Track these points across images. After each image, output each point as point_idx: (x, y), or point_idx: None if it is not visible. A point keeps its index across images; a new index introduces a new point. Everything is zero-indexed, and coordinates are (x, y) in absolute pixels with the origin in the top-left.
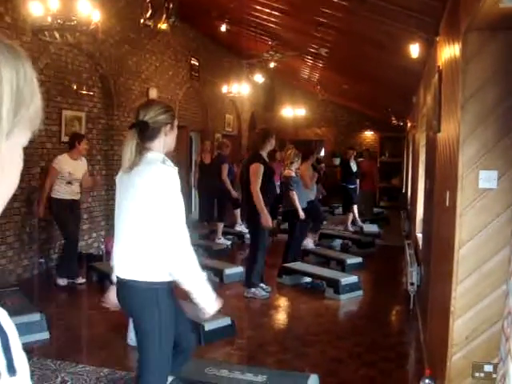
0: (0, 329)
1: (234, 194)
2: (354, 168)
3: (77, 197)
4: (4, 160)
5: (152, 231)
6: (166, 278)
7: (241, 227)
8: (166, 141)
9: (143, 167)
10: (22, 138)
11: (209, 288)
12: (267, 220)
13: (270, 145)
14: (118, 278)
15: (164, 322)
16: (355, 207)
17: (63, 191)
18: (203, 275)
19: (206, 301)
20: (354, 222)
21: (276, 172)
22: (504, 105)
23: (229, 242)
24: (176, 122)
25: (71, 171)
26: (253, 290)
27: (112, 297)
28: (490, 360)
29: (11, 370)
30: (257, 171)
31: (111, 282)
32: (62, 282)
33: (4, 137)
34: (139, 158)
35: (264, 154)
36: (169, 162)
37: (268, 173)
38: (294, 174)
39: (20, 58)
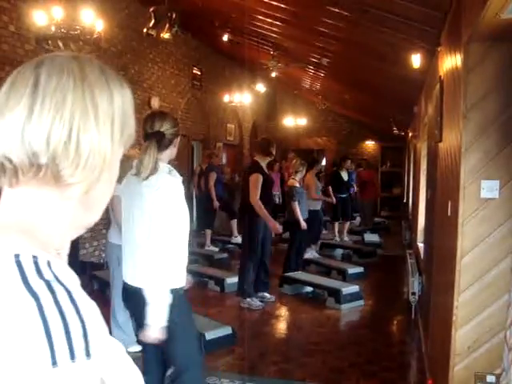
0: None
1: (216, 204)
2: (345, 177)
3: None
4: (110, 168)
5: (159, 240)
6: (175, 285)
7: (236, 239)
8: (172, 152)
9: (152, 177)
10: (121, 152)
11: (165, 313)
12: (275, 226)
13: (270, 155)
14: (126, 284)
15: (180, 325)
16: (340, 221)
17: None
18: (168, 299)
19: (156, 322)
20: (340, 232)
21: (274, 182)
22: (506, 114)
23: (217, 249)
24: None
25: None
26: (248, 299)
27: (149, 334)
28: (492, 370)
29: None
30: (256, 182)
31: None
32: None
33: (114, 150)
34: (155, 168)
35: (263, 163)
36: (174, 172)
37: (266, 183)
38: (297, 184)
39: (124, 85)
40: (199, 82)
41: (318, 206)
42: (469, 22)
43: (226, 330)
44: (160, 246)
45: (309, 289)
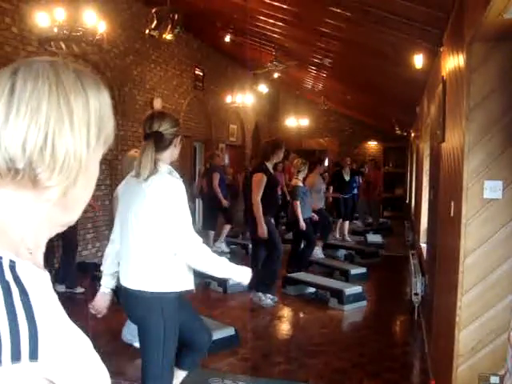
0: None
1: (225, 202)
2: (347, 178)
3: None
4: (88, 174)
5: (158, 242)
6: (171, 288)
7: (221, 244)
8: (172, 153)
9: (152, 178)
10: (100, 153)
11: (235, 267)
12: (263, 231)
13: (278, 157)
14: (122, 286)
15: (168, 331)
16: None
17: None
18: (224, 260)
19: (240, 277)
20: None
21: (280, 183)
22: (509, 114)
23: (227, 250)
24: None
25: None
26: (260, 294)
27: (99, 303)
28: (496, 371)
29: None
30: (259, 182)
31: (99, 287)
32: (60, 287)
33: (90, 153)
34: (155, 169)
35: (270, 164)
36: (175, 173)
37: (271, 183)
38: (301, 184)
39: (101, 89)
40: (201, 82)
41: (320, 204)
42: (471, 22)
43: (229, 331)
44: (160, 247)
45: (312, 289)
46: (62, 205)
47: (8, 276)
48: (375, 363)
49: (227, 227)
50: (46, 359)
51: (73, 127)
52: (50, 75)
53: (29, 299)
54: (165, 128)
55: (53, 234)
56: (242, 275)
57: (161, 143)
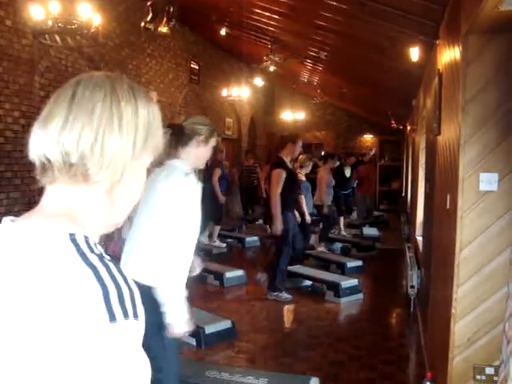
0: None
1: (222, 198)
2: (348, 174)
3: None
4: (133, 175)
5: (165, 238)
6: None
7: (214, 243)
8: (196, 154)
9: (167, 173)
10: (147, 160)
11: (184, 308)
12: (278, 227)
13: (294, 151)
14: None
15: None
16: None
17: None
18: (184, 296)
19: (176, 318)
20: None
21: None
22: (505, 107)
23: (224, 245)
24: (212, 142)
25: None
26: (276, 293)
27: (175, 331)
28: (491, 362)
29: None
30: (278, 177)
31: None
32: None
33: (136, 156)
34: (166, 161)
35: (287, 159)
36: (192, 176)
37: (291, 178)
38: (304, 178)
39: (150, 101)
40: (197, 76)
41: (328, 200)
42: (468, 14)
43: (226, 324)
44: (160, 245)
45: (308, 283)
46: (110, 202)
47: (97, 251)
48: (372, 355)
49: (217, 228)
50: (141, 319)
51: (121, 129)
52: (106, 84)
53: (120, 269)
54: (187, 123)
55: (105, 231)
56: (176, 317)
57: (180, 137)
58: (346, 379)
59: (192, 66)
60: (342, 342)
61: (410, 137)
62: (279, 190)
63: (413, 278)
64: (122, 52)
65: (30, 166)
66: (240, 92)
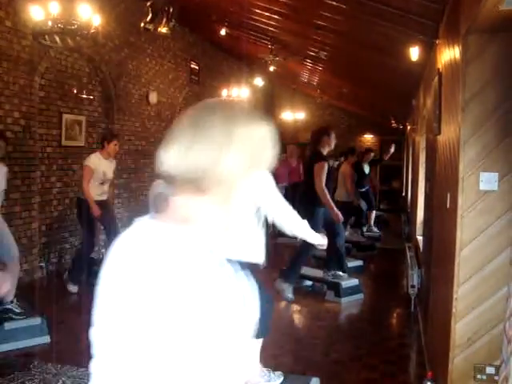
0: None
1: None
2: (367, 170)
3: (105, 197)
4: (243, 187)
5: None
6: None
7: None
8: None
9: None
10: (254, 173)
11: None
12: (337, 215)
13: (330, 143)
14: None
15: None
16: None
17: (95, 192)
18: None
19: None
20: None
21: (283, 173)
22: (505, 107)
23: None
24: None
25: (105, 171)
26: (286, 285)
27: None
28: (491, 362)
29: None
30: (322, 170)
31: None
32: (73, 288)
33: (247, 173)
34: None
35: (324, 151)
36: None
37: (329, 171)
38: None
39: (264, 125)
40: (197, 76)
41: (346, 198)
42: (467, 14)
43: None
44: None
45: (308, 282)
46: (225, 210)
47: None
48: (372, 355)
49: None
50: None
51: (235, 152)
52: (224, 111)
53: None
54: None
55: (222, 234)
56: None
57: None
58: (346, 379)
59: (192, 66)
60: (343, 341)
61: (411, 136)
62: (324, 182)
63: (413, 278)
64: (121, 52)
65: (31, 166)
66: (240, 92)
